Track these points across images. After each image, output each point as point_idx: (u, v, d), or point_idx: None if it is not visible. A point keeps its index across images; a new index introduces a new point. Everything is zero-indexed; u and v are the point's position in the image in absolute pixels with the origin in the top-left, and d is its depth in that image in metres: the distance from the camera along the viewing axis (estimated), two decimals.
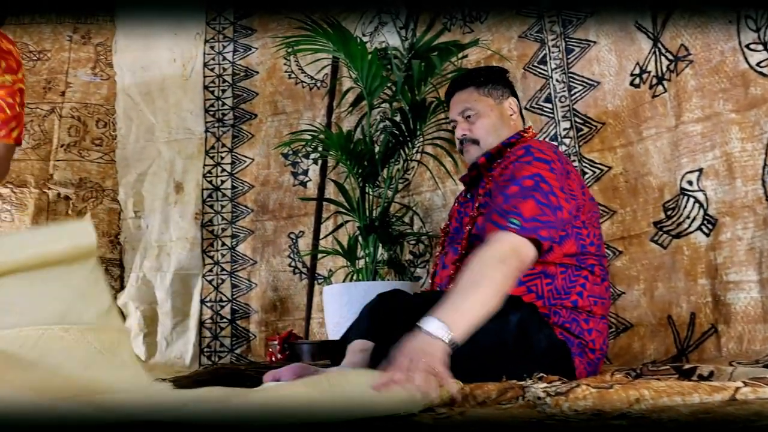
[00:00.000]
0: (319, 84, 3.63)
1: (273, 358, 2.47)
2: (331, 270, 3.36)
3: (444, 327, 1.34)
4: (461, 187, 2.99)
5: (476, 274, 1.52)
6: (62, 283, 1.49)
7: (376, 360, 1.67)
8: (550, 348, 1.65)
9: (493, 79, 1.97)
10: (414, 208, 3.19)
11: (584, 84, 2.71)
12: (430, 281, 2.05)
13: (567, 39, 2.77)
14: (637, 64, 2.56)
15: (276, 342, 2.47)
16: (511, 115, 1.95)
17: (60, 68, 4.06)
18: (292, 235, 3.52)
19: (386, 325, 1.73)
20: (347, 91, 3.38)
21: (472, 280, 1.49)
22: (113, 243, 3.88)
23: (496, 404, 1.31)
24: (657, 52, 2.47)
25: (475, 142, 1.91)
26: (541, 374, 1.51)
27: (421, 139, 3.06)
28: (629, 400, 1.22)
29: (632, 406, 1.20)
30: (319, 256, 3.32)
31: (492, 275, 1.49)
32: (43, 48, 4.07)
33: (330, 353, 2.03)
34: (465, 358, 1.49)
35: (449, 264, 1.87)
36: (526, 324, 1.61)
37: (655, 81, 2.48)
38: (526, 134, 1.92)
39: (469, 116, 1.93)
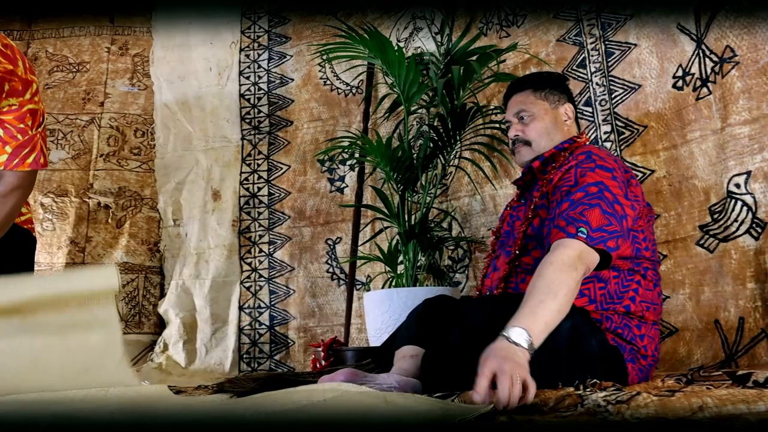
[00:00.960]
0: (354, 90, 3.64)
1: (317, 365, 2.48)
2: (369, 276, 3.37)
3: (525, 334, 1.37)
4: (500, 192, 3.00)
5: (551, 282, 1.51)
6: (81, 344, 1.61)
7: (426, 366, 1.68)
8: (602, 354, 1.64)
9: (551, 83, 2.01)
10: (452, 213, 3.19)
11: (625, 87, 2.69)
12: (479, 283, 2.06)
13: (606, 42, 2.76)
14: (680, 66, 2.53)
15: (320, 348, 2.48)
16: (565, 120, 1.96)
17: (99, 79, 4.12)
18: (330, 241, 3.54)
19: (435, 331, 1.74)
20: (384, 97, 3.39)
21: (548, 287, 1.50)
22: (153, 251, 3.93)
23: (555, 412, 1.31)
24: (701, 54, 2.44)
25: (528, 143, 1.94)
26: (594, 380, 1.51)
27: (459, 145, 3.05)
28: (692, 407, 1.21)
29: (695, 414, 1.19)
30: (358, 262, 3.33)
31: (566, 282, 1.50)
32: (82, 60, 4.15)
33: (374, 359, 2.03)
34: None
35: (501, 266, 1.88)
36: (579, 330, 1.60)
37: (699, 83, 2.45)
38: (579, 139, 1.92)
39: (523, 117, 1.96)
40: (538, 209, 1.80)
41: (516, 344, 1.35)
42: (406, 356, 1.75)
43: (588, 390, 1.40)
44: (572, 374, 1.50)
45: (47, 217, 3.92)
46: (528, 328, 1.37)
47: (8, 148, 2.13)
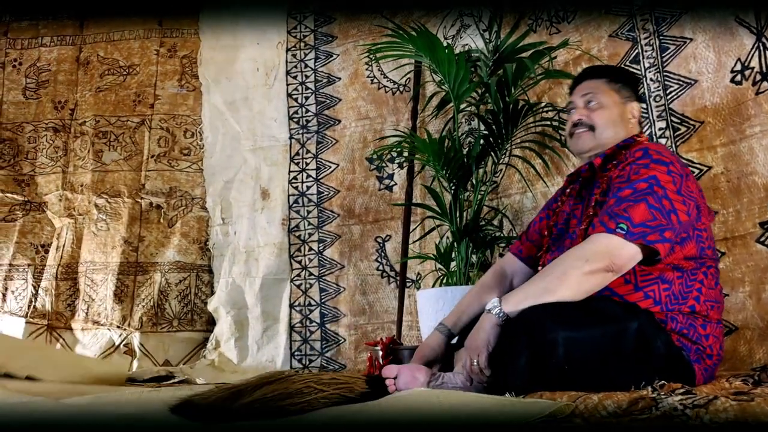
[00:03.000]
0: (401, 88, 3.65)
1: (375, 363, 2.51)
2: (419, 274, 3.39)
3: (498, 304, 1.61)
4: (552, 189, 2.99)
5: (552, 266, 1.66)
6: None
7: (489, 365, 1.68)
8: (668, 355, 1.64)
9: (625, 79, 1.99)
10: (503, 211, 3.18)
11: (680, 82, 2.66)
12: None
13: (661, 37, 2.72)
14: (739, 60, 2.49)
15: (378, 347, 2.50)
16: (630, 118, 1.94)
17: (148, 81, 4.20)
18: (379, 239, 3.56)
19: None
20: (432, 95, 3.39)
21: (547, 269, 1.66)
22: (203, 250, 4.00)
23: (630, 415, 1.31)
24: (761, 47, 2.40)
25: (591, 128, 1.91)
26: (662, 381, 1.51)
27: (510, 142, 3.05)
28: None
29: None
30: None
31: (566, 269, 1.61)
32: (132, 63, 4.23)
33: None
34: (585, 365, 1.51)
35: None
36: (645, 331, 1.60)
37: (759, 77, 2.41)
38: (639, 138, 1.90)
39: (591, 102, 1.93)
40: (599, 206, 1.80)
41: (487, 311, 1.63)
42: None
43: (659, 392, 1.40)
44: (639, 376, 1.51)
45: (101, 217, 4.01)
46: (504, 299, 1.62)
47: None
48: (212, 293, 3.92)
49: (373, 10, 3.80)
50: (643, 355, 1.58)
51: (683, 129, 2.64)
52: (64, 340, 3.88)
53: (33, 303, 3.99)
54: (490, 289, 2.04)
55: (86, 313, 3.92)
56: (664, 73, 2.70)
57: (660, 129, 2.69)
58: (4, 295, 4.02)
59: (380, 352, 2.49)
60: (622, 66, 2.82)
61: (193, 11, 4.25)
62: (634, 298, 1.67)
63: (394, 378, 1.66)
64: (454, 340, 1.95)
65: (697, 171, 2.58)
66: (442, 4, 3.59)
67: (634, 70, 2.80)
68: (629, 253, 1.60)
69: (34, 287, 4.01)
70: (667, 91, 2.69)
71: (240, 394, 1.62)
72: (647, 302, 1.67)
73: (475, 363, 1.60)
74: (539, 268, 1.99)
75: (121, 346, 3.89)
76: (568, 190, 2.02)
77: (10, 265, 4.06)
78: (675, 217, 1.62)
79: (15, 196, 4.15)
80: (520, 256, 2.11)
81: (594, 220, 1.75)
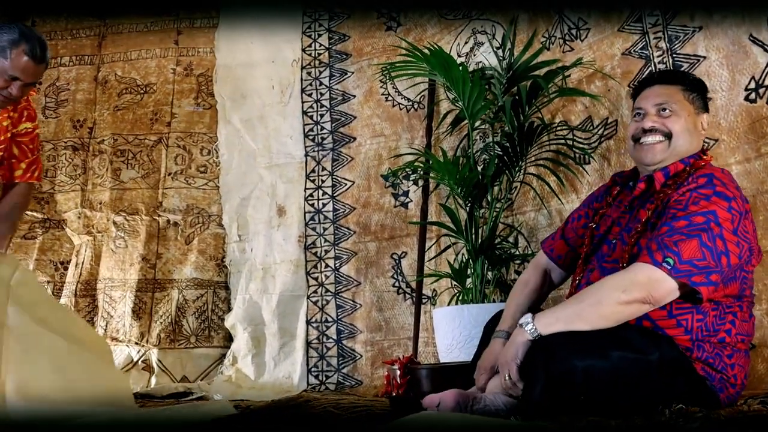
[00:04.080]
0: (416, 105, 3.68)
1: (393, 382, 2.52)
2: (435, 290, 3.40)
3: (531, 320, 1.63)
4: (567, 207, 3.00)
5: (589, 291, 1.64)
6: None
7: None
8: (690, 384, 1.62)
9: (699, 89, 1.88)
10: (518, 228, 3.20)
11: None
12: (573, 289, 1.95)
13: (674, 55, 2.74)
14: (753, 78, 2.50)
15: (396, 366, 2.52)
16: (701, 131, 1.85)
17: (165, 100, 4.25)
18: (395, 256, 3.58)
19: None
20: (447, 113, 3.42)
21: (584, 293, 1.65)
22: (220, 266, 4.03)
23: None
24: None
25: (668, 136, 1.79)
26: (680, 405, 1.51)
27: (525, 161, 3.06)
28: None
29: None
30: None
31: (601, 297, 1.59)
32: (149, 81, 4.29)
33: (451, 379, 2.06)
34: (604, 393, 1.52)
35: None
36: (666, 362, 1.59)
37: None
38: (705, 156, 1.82)
39: (665, 109, 1.81)
40: (647, 226, 1.74)
41: (520, 326, 1.64)
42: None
43: (678, 419, 1.41)
44: (660, 404, 1.52)
45: (119, 234, 4.06)
46: (538, 318, 1.63)
47: (23, 165, 2.61)
48: (229, 310, 3.96)
49: (388, 27, 3.83)
50: (664, 385, 1.58)
51: None
52: None
53: None
54: (532, 286, 2.03)
55: (105, 330, 3.97)
56: None
57: None
58: None
59: (398, 371, 2.51)
60: (632, 85, 2.82)
61: (209, 29, 4.31)
62: (666, 324, 1.65)
63: (437, 406, 1.67)
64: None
65: None
66: (456, 12, 3.61)
67: None
68: (669, 288, 1.57)
69: None
70: None
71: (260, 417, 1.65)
72: (678, 330, 1.64)
73: (507, 378, 1.62)
74: (578, 270, 1.93)
75: (140, 362, 3.93)
76: (614, 194, 1.95)
77: None
78: (726, 259, 1.57)
79: (35, 214, 4.21)
80: (551, 255, 2.08)
81: (642, 242, 1.71)
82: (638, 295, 1.56)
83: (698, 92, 1.86)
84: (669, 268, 1.55)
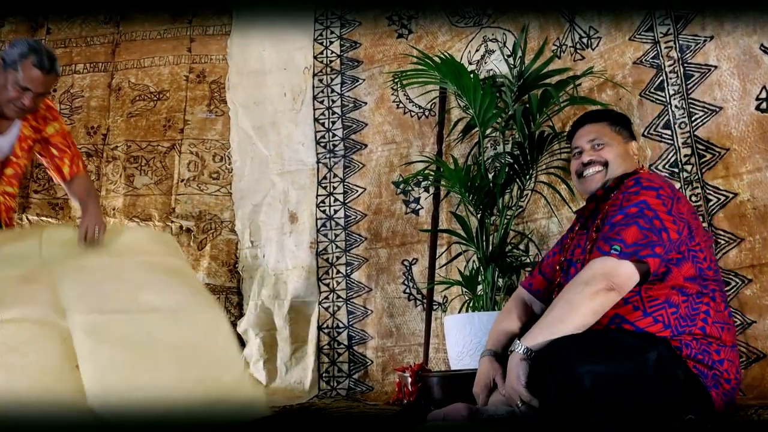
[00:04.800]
0: (427, 113, 3.70)
1: (404, 389, 2.55)
2: (446, 297, 3.42)
3: (518, 342, 1.70)
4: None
5: (558, 298, 1.76)
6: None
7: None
8: (687, 382, 1.67)
9: (623, 122, 2.10)
10: (529, 236, 3.21)
11: (705, 109, 2.68)
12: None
13: (685, 64, 2.75)
14: (764, 87, 2.51)
15: (407, 373, 2.54)
16: (633, 155, 2.05)
17: (178, 107, 4.29)
18: (406, 262, 3.60)
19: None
20: (458, 121, 3.44)
21: (555, 301, 1.76)
22: (232, 272, 4.07)
23: None
24: None
25: (605, 164, 2.01)
26: (690, 416, 1.54)
27: (536, 170, 3.08)
28: None
29: None
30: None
31: (570, 297, 1.70)
32: (162, 89, 4.33)
33: (461, 387, 2.08)
34: (610, 395, 1.55)
35: None
36: (664, 360, 1.63)
37: None
38: (641, 170, 1.99)
39: (598, 144, 2.03)
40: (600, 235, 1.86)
41: (510, 352, 1.71)
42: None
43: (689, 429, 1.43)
44: (661, 402, 1.55)
45: None
46: (524, 337, 1.71)
47: (66, 161, 2.71)
48: (241, 315, 3.98)
49: (399, 34, 3.86)
50: (664, 384, 1.61)
51: (708, 156, 2.66)
52: None
53: None
54: (515, 314, 2.11)
55: None
56: (689, 101, 2.73)
57: (685, 156, 2.71)
58: None
59: (409, 379, 2.53)
60: (643, 94, 2.86)
61: (221, 36, 4.35)
62: (644, 323, 1.72)
63: (442, 421, 1.71)
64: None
65: (723, 198, 2.60)
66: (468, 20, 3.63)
67: (658, 98, 2.83)
68: (626, 272, 1.69)
69: None
70: (692, 118, 2.71)
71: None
72: (657, 326, 1.72)
73: (519, 404, 1.65)
74: (554, 297, 2.03)
75: None
76: (577, 227, 2.09)
77: None
78: (666, 234, 1.72)
79: (50, 220, 4.26)
80: (530, 290, 2.18)
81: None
82: (601, 285, 1.68)
83: (622, 125, 2.09)
84: (617, 253, 1.69)
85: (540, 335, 1.68)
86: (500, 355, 1.98)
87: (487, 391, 1.91)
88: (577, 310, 1.67)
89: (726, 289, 2.35)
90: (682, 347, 1.70)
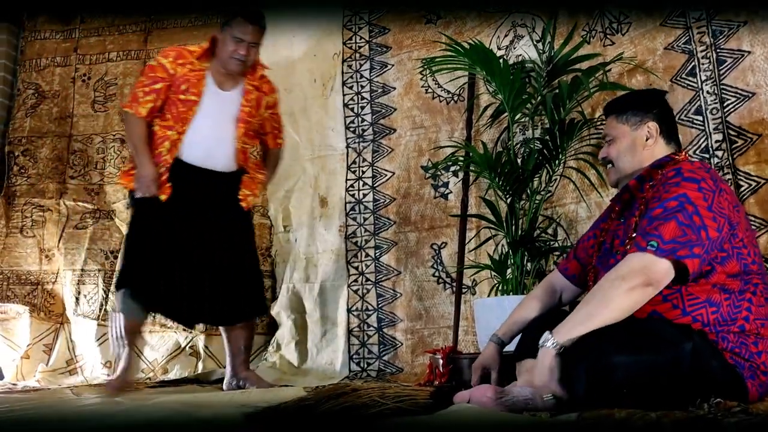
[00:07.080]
0: (456, 98, 3.72)
1: (436, 370, 2.60)
2: (474, 280, 3.46)
3: (550, 336, 1.67)
4: (606, 200, 3.03)
5: (593, 291, 1.74)
6: None
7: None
8: (723, 373, 1.68)
9: (632, 105, 2.06)
10: (558, 220, 3.24)
11: (738, 95, 2.68)
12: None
13: (718, 50, 2.74)
14: None
15: (439, 355, 2.60)
16: (647, 140, 2.00)
17: None
18: (435, 246, 3.65)
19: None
20: (487, 106, 3.46)
21: (589, 294, 1.75)
22: (265, 256, 4.13)
23: None
24: None
25: (612, 161, 2.07)
26: (718, 399, 1.56)
27: (565, 155, 3.10)
28: None
29: None
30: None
31: (605, 292, 1.68)
32: None
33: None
34: (643, 386, 1.57)
35: None
36: (700, 352, 1.64)
37: None
38: (677, 156, 1.96)
39: (609, 140, 2.08)
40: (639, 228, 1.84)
41: (543, 347, 1.67)
42: (530, 370, 1.83)
43: (717, 412, 1.46)
44: (695, 393, 1.57)
45: None
46: (555, 331, 1.67)
47: (271, 133, 3.40)
48: (274, 298, 4.06)
49: (427, 20, 3.87)
50: (698, 375, 1.63)
51: (740, 142, 2.66)
52: None
53: (104, 306, 4.19)
54: (538, 302, 2.15)
55: (153, 317, 4.10)
56: (721, 86, 2.72)
57: (717, 142, 2.72)
58: (77, 299, 4.24)
59: (441, 360, 2.59)
60: (674, 80, 2.85)
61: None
62: (683, 322, 1.71)
63: (468, 402, 1.74)
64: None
65: (754, 184, 2.60)
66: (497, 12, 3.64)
67: (690, 83, 2.82)
68: (663, 268, 1.66)
69: (105, 291, 4.21)
70: (725, 104, 2.71)
71: (309, 407, 1.74)
72: (696, 326, 1.71)
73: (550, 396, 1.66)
74: (590, 285, 2.04)
75: (187, 348, 4.06)
76: (613, 214, 2.09)
77: (82, 270, 4.28)
78: (705, 233, 1.67)
79: (86, 205, 4.36)
80: (566, 274, 2.20)
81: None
82: (638, 281, 1.65)
83: (633, 109, 2.04)
84: (654, 249, 1.66)
85: (574, 329, 1.66)
86: (506, 345, 2.09)
87: (479, 373, 2.05)
88: (611, 305, 1.65)
89: None
90: (719, 341, 1.70)
